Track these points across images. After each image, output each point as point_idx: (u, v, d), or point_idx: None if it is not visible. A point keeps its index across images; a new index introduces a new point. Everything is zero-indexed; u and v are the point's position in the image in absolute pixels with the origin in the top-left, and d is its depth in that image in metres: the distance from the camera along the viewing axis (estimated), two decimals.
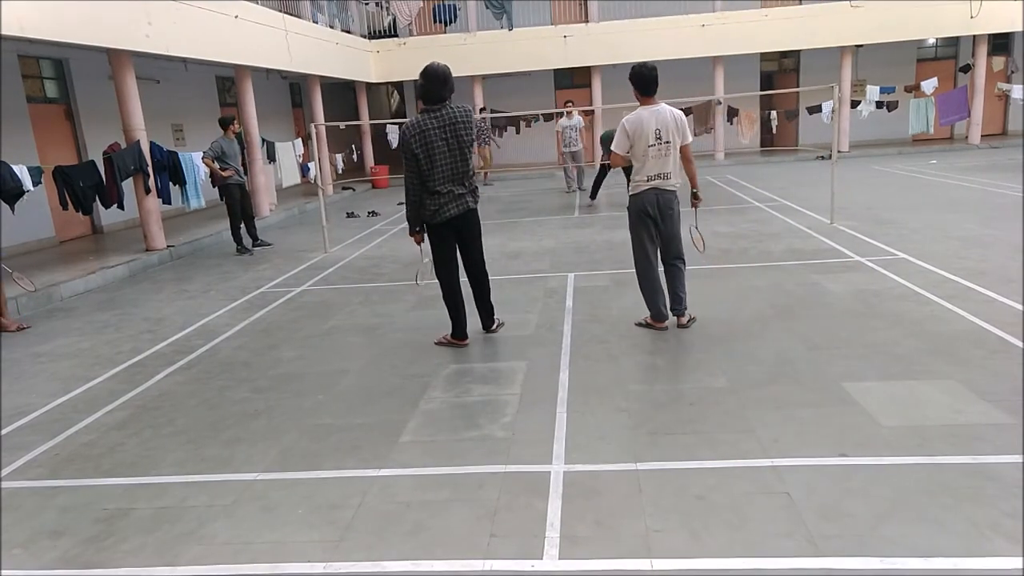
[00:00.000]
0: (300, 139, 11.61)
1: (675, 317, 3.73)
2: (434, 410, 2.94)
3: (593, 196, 9.01)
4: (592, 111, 13.28)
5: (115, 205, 6.97)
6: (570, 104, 9.67)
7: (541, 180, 12.98)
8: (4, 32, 5.05)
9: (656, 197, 3.53)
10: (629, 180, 3.64)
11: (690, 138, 3.56)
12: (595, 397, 2.94)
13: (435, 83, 3.37)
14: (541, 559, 1.89)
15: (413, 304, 4.56)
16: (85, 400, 3.35)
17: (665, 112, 3.48)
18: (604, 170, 8.78)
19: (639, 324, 3.79)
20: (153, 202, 7.21)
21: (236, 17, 8.33)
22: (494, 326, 3.89)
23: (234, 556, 2.01)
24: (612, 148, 3.62)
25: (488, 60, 13.38)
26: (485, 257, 3.74)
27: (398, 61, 13.33)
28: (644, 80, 3.47)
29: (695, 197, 3.73)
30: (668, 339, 3.61)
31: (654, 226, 3.60)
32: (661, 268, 3.70)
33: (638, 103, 3.54)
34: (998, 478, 2.13)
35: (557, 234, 7.04)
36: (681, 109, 4.18)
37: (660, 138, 3.45)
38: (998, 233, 5.58)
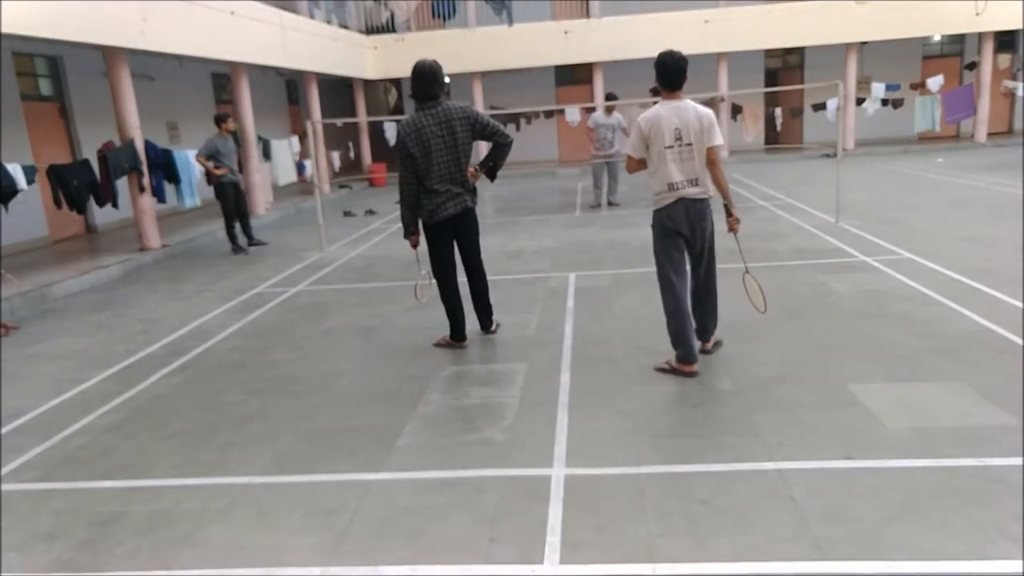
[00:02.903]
0: (296, 137, 11.54)
1: (699, 341, 3.19)
2: (432, 413, 2.90)
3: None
4: (593, 108, 13.21)
5: (109, 204, 6.92)
6: (611, 98, 8.06)
7: (542, 178, 12.94)
8: (2, 30, 5.00)
9: (687, 210, 2.98)
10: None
11: (718, 140, 3.00)
12: (597, 399, 2.91)
13: (424, 81, 3.33)
14: (542, 564, 1.86)
15: (411, 305, 4.51)
16: (79, 402, 3.32)
17: (688, 109, 2.97)
18: None
19: (660, 369, 3.13)
20: (147, 201, 7.16)
21: (232, 14, 8.27)
22: (492, 327, 3.85)
23: (229, 560, 1.98)
24: (627, 151, 3.17)
25: (488, 56, 13.31)
26: (484, 257, 3.70)
27: (396, 57, 13.25)
28: (669, 71, 2.97)
29: (729, 215, 3.07)
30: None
31: (686, 244, 3.05)
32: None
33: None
34: (1005, 480, 2.10)
35: (558, 233, 7.00)
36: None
37: (680, 139, 2.95)
38: (1004, 232, 5.54)
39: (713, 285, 3.21)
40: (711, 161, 3.02)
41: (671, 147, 2.98)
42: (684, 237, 3.05)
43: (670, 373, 3.09)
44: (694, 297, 3.21)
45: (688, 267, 3.16)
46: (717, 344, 3.33)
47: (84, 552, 2.07)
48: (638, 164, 3.13)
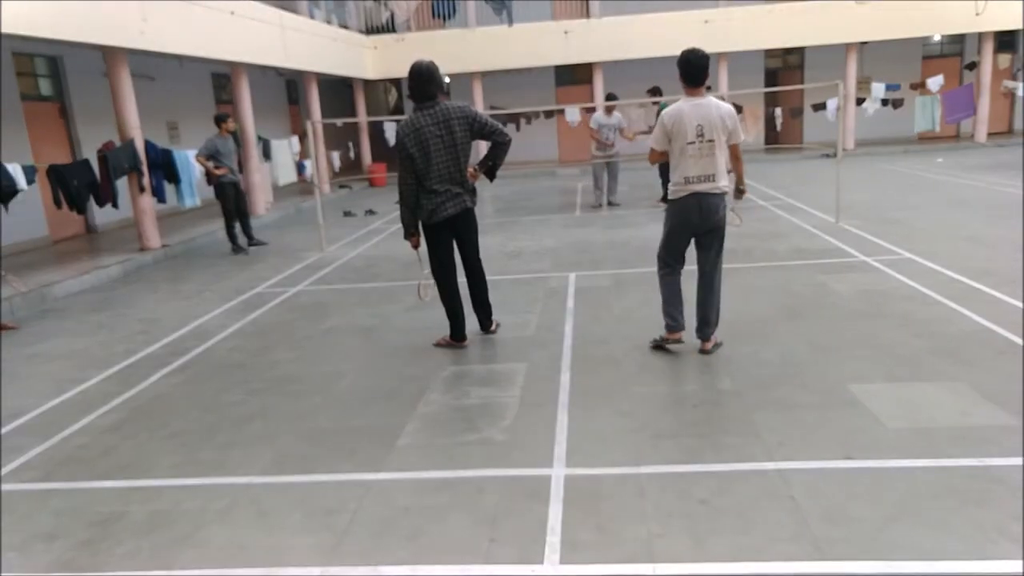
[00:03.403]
0: (296, 137, 11.53)
1: (698, 340, 3.32)
2: (432, 413, 2.90)
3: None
4: (593, 108, 13.22)
5: (109, 204, 6.91)
6: (612, 98, 8.13)
7: (542, 178, 12.94)
8: (2, 30, 5.00)
9: (699, 204, 3.14)
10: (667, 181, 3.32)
11: (742, 137, 3.21)
12: (597, 399, 2.91)
13: (422, 81, 3.35)
14: (542, 564, 1.87)
15: (411, 305, 4.51)
16: (79, 402, 3.31)
17: (710, 106, 3.11)
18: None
19: (655, 344, 3.38)
20: (147, 201, 7.16)
21: (232, 14, 8.27)
22: (492, 327, 3.85)
23: (229, 560, 1.98)
24: (650, 144, 3.35)
25: (488, 56, 13.30)
26: (483, 257, 3.70)
27: (396, 57, 13.24)
28: (691, 68, 3.10)
29: (739, 191, 3.44)
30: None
31: (692, 235, 3.24)
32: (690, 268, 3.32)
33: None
34: (1004, 480, 2.10)
35: (558, 233, 7.00)
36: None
37: (702, 135, 3.09)
38: (1005, 232, 5.53)
39: (718, 278, 3.32)
40: (735, 157, 3.24)
41: (692, 143, 3.12)
42: (693, 229, 3.23)
43: (661, 344, 3.35)
44: (699, 286, 3.33)
45: (695, 257, 3.32)
46: (717, 345, 3.36)
47: (84, 552, 2.07)
48: (660, 156, 3.30)
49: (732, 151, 3.22)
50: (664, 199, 8.19)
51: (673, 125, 3.13)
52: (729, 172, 3.27)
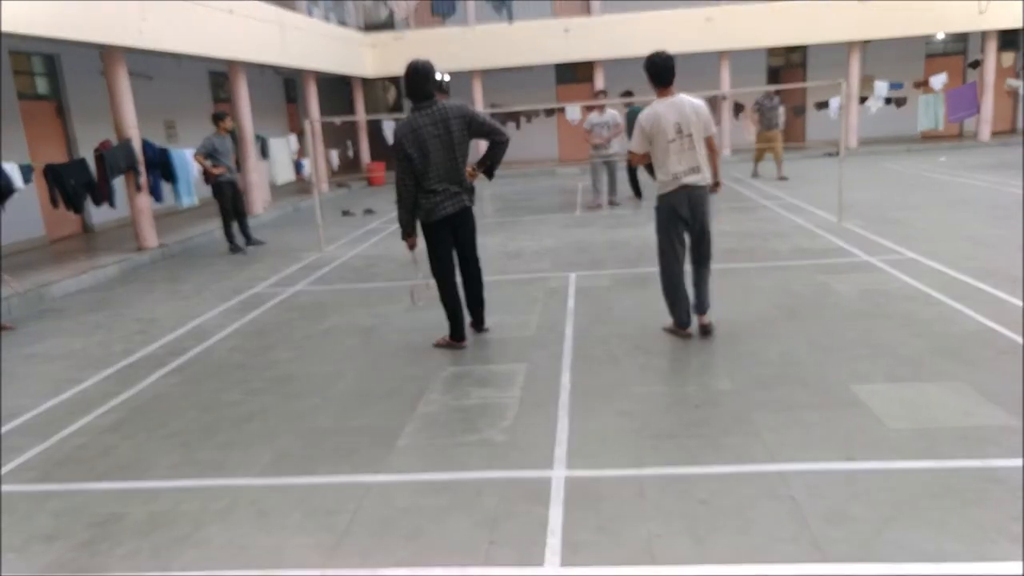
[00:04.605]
0: (295, 135, 11.50)
1: (696, 316, 3.52)
2: (432, 413, 2.90)
3: (638, 195, 8.28)
4: (592, 107, 13.17)
5: (106, 203, 6.89)
6: (602, 96, 8.22)
7: (541, 178, 12.92)
8: (2, 29, 4.98)
9: (688, 197, 3.30)
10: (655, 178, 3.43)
11: (714, 129, 3.35)
12: (597, 400, 2.90)
13: (418, 79, 3.34)
14: (542, 565, 1.86)
15: (410, 305, 4.50)
16: (77, 402, 3.31)
17: (684, 103, 3.27)
18: (631, 169, 7.66)
19: (666, 329, 3.60)
20: (145, 200, 7.14)
21: (231, 12, 8.24)
22: (485, 326, 3.84)
23: (229, 561, 1.98)
24: (631, 147, 3.47)
25: (488, 54, 13.28)
26: (483, 257, 3.71)
27: (395, 55, 13.19)
28: (659, 70, 3.28)
29: (715, 184, 3.50)
30: (672, 340, 3.56)
31: (685, 227, 3.38)
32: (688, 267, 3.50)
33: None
34: (1005, 481, 2.10)
35: (558, 233, 6.99)
36: None
37: (681, 131, 3.24)
38: (1007, 232, 5.52)
39: (708, 261, 3.50)
40: (711, 148, 3.37)
41: (673, 140, 3.28)
42: (684, 220, 3.38)
43: (672, 333, 3.56)
44: (693, 271, 3.51)
45: (687, 246, 3.50)
46: (711, 326, 3.50)
47: (84, 553, 2.07)
48: (641, 158, 3.46)
49: (708, 144, 3.33)
50: (637, 196, 8.36)
51: (652, 127, 3.28)
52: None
